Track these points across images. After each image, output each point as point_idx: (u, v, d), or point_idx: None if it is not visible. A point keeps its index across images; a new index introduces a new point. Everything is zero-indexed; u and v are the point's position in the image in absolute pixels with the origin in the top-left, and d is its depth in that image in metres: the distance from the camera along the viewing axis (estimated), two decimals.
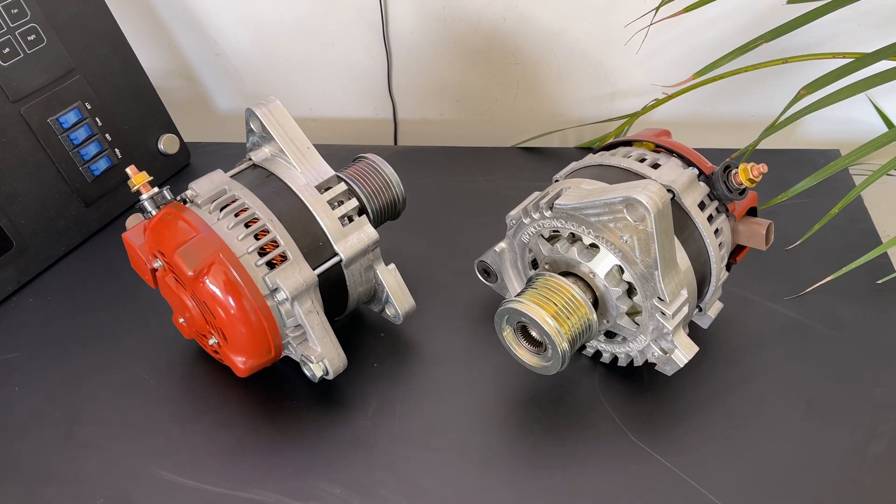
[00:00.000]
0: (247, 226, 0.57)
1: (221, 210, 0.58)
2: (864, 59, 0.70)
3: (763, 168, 0.56)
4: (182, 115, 0.90)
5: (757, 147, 0.74)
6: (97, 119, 0.78)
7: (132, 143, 0.82)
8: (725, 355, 0.66)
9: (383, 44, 0.92)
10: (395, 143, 1.02)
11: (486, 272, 0.68)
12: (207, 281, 0.55)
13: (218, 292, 0.55)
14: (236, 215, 0.57)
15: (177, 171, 0.88)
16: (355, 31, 0.91)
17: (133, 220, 0.63)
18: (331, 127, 1.01)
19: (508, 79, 0.94)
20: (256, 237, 0.57)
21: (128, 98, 0.82)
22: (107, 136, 0.79)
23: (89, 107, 0.78)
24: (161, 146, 0.85)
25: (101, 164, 0.79)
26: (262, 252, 0.57)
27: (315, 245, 0.59)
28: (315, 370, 0.59)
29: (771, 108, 0.93)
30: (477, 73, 0.94)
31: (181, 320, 0.63)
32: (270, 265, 0.57)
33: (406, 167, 0.71)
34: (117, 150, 0.80)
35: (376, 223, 0.67)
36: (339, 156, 0.68)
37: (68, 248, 0.78)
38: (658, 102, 0.83)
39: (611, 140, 0.66)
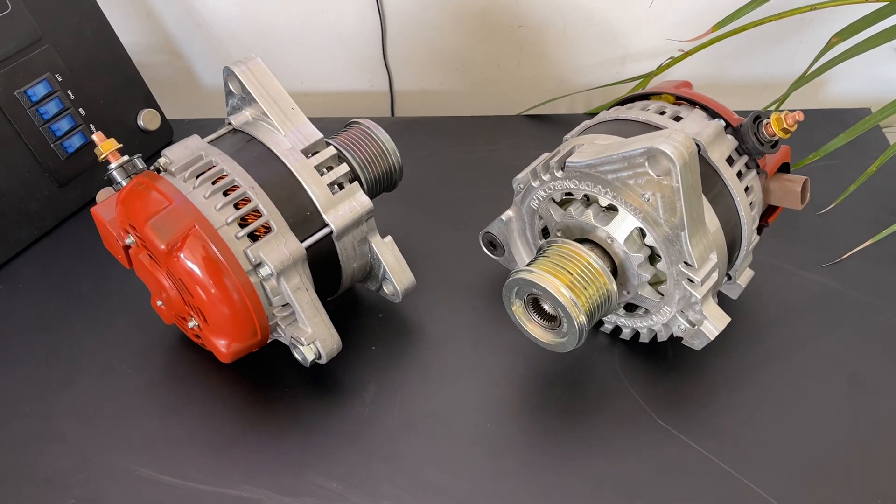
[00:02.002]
0: (225, 194, 0.52)
1: (197, 178, 0.53)
2: None
3: (798, 116, 0.51)
4: (164, 91, 0.85)
5: (782, 106, 0.69)
6: (69, 92, 0.73)
7: (109, 118, 0.77)
8: (757, 328, 0.62)
9: (376, 9, 0.86)
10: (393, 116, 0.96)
11: (492, 244, 0.63)
12: (182, 256, 0.51)
13: (194, 268, 0.51)
14: (214, 183, 0.52)
15: (158, 150, 0.82)
16: None
17: (104, 194, 0.59)
18: (324, 101, 0.95)
19: (511, 44, 0.89)
20: (236, 206, 0.52)
21: (102, 70, 0.76)
22: (80, 110, 0.74)
23: (60, 79, 0.72)
24: (141, 122, 0.80)
25: (75, 141, 0.74)
26: (243, 223, 0.52)
27: (302, 215, 0.54)
28: (306, 353, 0.55)
29: (794, 68, 0.87)
30: (478, 38, 0.89)
31: (159, 303, 0.58)
32: (253, 237, 0.52)
33: (404, 138, 0.67)
34: (92, 126, 0.75)
35: (371, 195, 0.62)
36: (332, 129, 0.63)
37: (41, 231, 0.73)
38: (674, 61, 0.78)
39: (626, 95, 0.61)
